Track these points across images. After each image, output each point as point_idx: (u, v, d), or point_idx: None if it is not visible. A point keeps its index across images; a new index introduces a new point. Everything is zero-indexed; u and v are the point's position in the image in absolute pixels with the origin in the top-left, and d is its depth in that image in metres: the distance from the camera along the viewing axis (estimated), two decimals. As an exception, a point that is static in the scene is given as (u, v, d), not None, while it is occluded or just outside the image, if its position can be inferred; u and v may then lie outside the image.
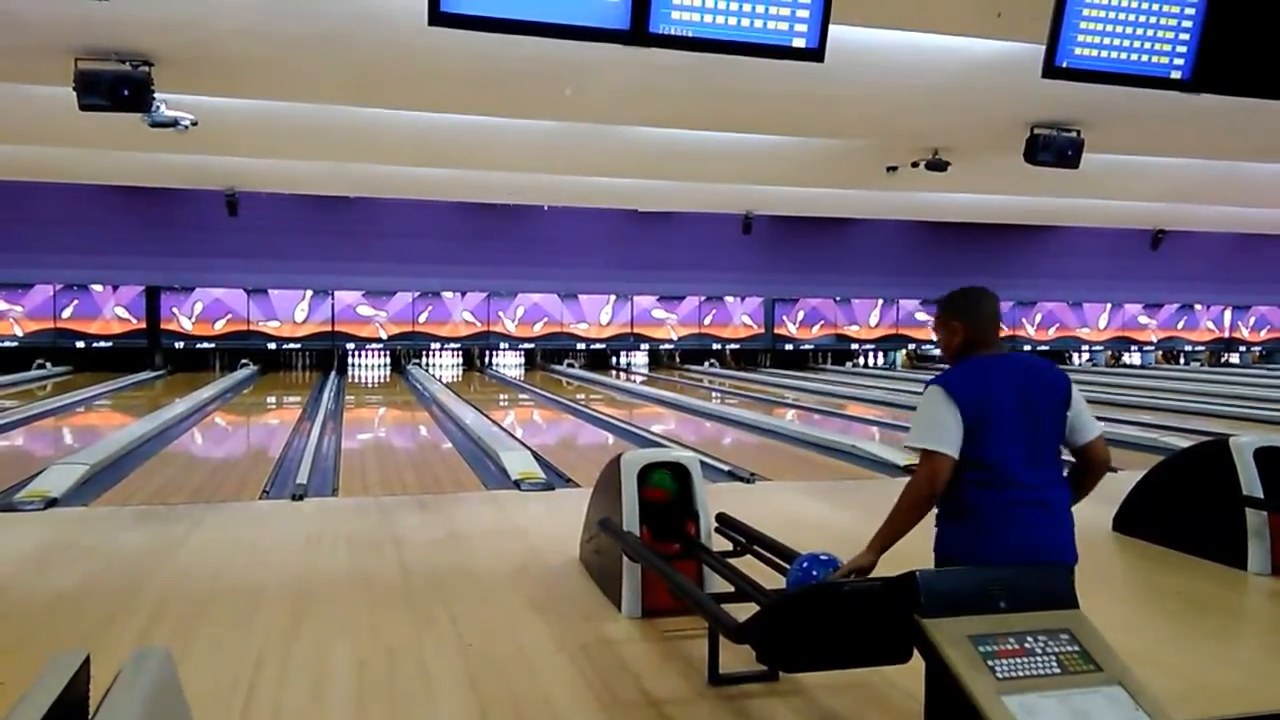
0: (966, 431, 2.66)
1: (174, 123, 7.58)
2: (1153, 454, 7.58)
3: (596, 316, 20.65)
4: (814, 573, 3.14)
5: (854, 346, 22.18)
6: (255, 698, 3.09)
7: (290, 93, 8.03)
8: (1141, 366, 23.65)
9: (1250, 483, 4.73)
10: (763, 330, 21.60)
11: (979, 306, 2.86)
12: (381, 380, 18.44)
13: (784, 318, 21.69)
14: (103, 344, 18.23)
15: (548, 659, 3.47)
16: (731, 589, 3.54)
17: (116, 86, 6.55)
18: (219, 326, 18.72)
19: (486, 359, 20.62)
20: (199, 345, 18.70)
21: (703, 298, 21.18)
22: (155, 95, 6.82)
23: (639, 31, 4.38)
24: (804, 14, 4.50)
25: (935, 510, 2.78)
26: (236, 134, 9.50)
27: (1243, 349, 24.77)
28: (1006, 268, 22.52)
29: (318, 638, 3.69)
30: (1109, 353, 23.93)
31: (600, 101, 8.01)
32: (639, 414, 12.76)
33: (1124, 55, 4.91)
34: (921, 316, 22.27)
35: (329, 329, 19.23)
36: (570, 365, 20.71)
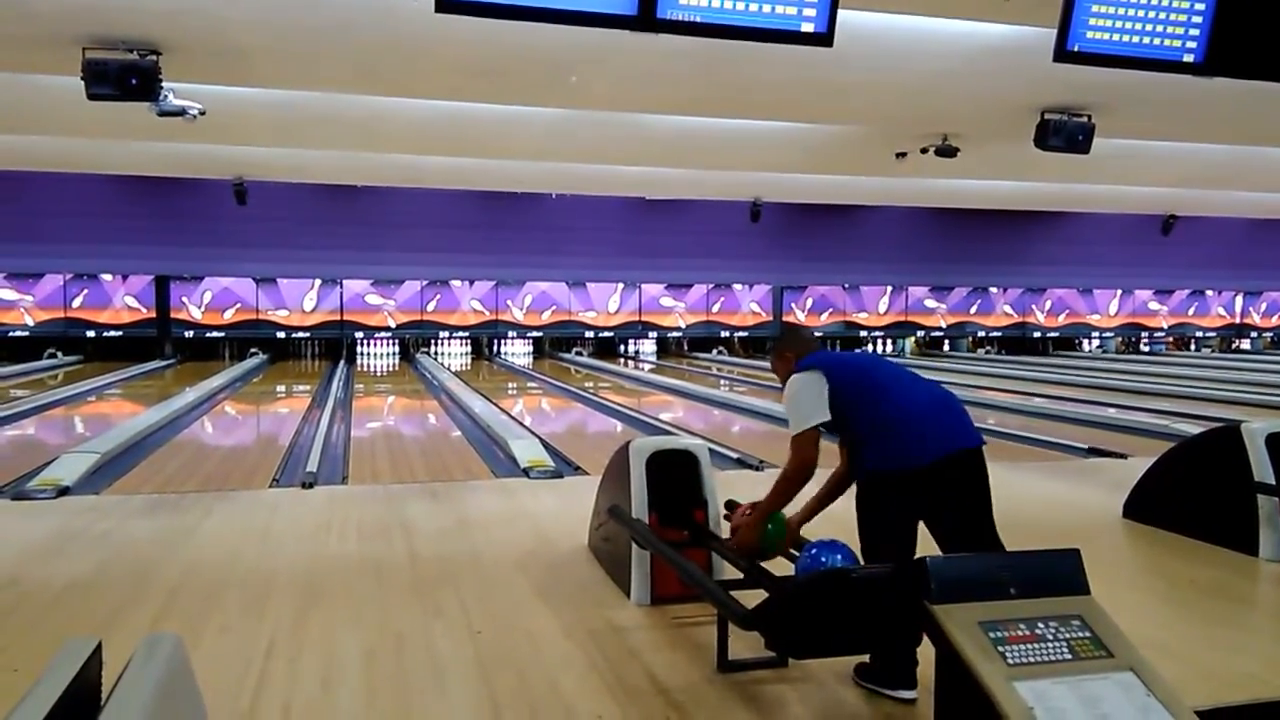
0: (841, 383, 3.22)
1: (182, 112, 7.59)
2: (1164, 440, 7.56)
3: (605, 305, 20.65)
4: (823, 559, 3.15)
5: (863, 334, 22.12)
6: (265, 686, 3.11)
7: (298, 82, 8.03)
8: (1150, 352, 23.56)
9: (1262, 469, 4.71)
10: (771, 318, 21.55)
11: (799, 337, 3.66)
12: (390, 369, 18.47)
13: (792, 305, 21.64)
14: (113, 333, 18.31)
15: (557, 646, 3.48)
16: (740, 576, 3.54)
17: (124, 76, 6.55)
18: (228, 315, 18.78)
19: (495, 347, 20.64)
20: (208, 334, 18.77)
21: (711, 285, 21.15)
22: (163, 84, 6.83)
23: (646, 17, 4.36)
24: (813, -2, 4.47)
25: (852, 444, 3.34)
26: (244, 123, 9.50)
27: (1254, 335, 24.65)
28: (1016, 254, 22.45)
29: (328, 625, 3.70)
30: (1119, 339, 23.85)
31: (607, 89, 7.98)
32: (647, 402, 12.76)
33: (1136, 39, 4.88)
34: (930, 304, 22.22)
35: (338, 318, 19.26)
36: (578, 353, 20.71)
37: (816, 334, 3.70)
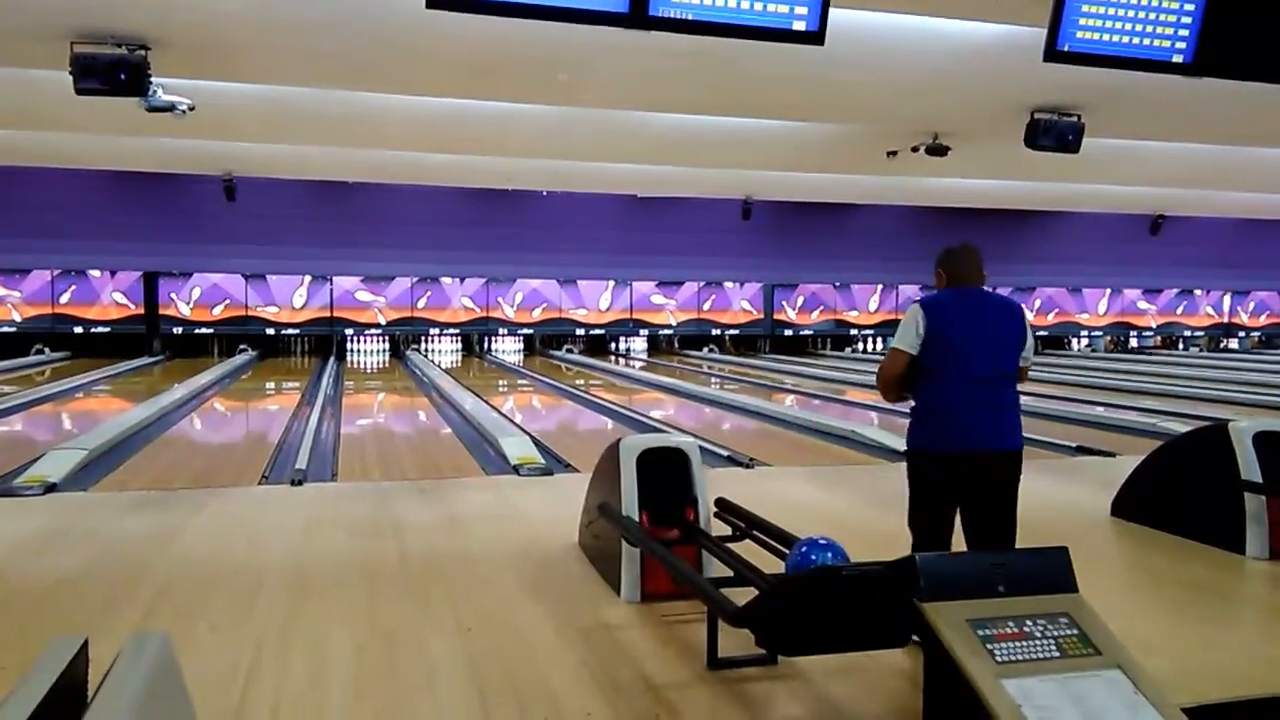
0: (931, 339, 3.40)
1: (171, 107, 7.55)
2: (1152, 439, 7.59)
3: (596, 302, 20.64)
4: (813, 557, 3.15)
5: (853, 332, 22.17)
6: (254, 682, 3.10)
7: (288, 77, 7.99)
8: (1140, 349, 23.67)
9: (1249, 467, 4.73)
10: (762, 316, 21.58)
11: (956, 258, 3.59)
12: (380, 366, 18.44)
13: (783, 303, 21.67)
14: (101, 329, 18.23)
15: (547, 643, 3.48)
16: (730, 574, 3.54)
17: (113, 70, 6.51)
18: (217, 312, 18.71)
19: (485, 345, 20.61)
20: (197, 331, 18.70)
21: (702, 283, 21.16)
22: (152, 79, 6.79)
23: (638, 14, 4.35)
24: (804, -4, 4.47)
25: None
26: (234, 118, 9.46)
27: (1242, 334, 24.79)
28: (1006, 253, 22.46)
29: (317, 622, 3.69)
30: (1108, 338, 23.94)
31: (599, 86, 7.97)
32: (638, 399, 12.76)
33: (1126, 39, 4.89)
34: (921, 302, 22.27)
35: (327, 314, 19.21)
36: (569, 351, 20.71)
37: (967, 255, 3.58)
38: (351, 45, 6.72)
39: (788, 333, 21.79)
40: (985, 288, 3.61)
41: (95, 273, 18.18)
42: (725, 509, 4.21)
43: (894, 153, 10.65)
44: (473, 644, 3.45)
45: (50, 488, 6.14)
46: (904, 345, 3.44)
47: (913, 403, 3.54)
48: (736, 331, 21.59)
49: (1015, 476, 3.46)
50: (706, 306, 21.26)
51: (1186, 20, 4.89)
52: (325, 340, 19.50)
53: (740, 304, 21.47)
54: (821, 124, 10.03)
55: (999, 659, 2.25)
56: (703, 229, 20.44)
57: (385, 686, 3.10)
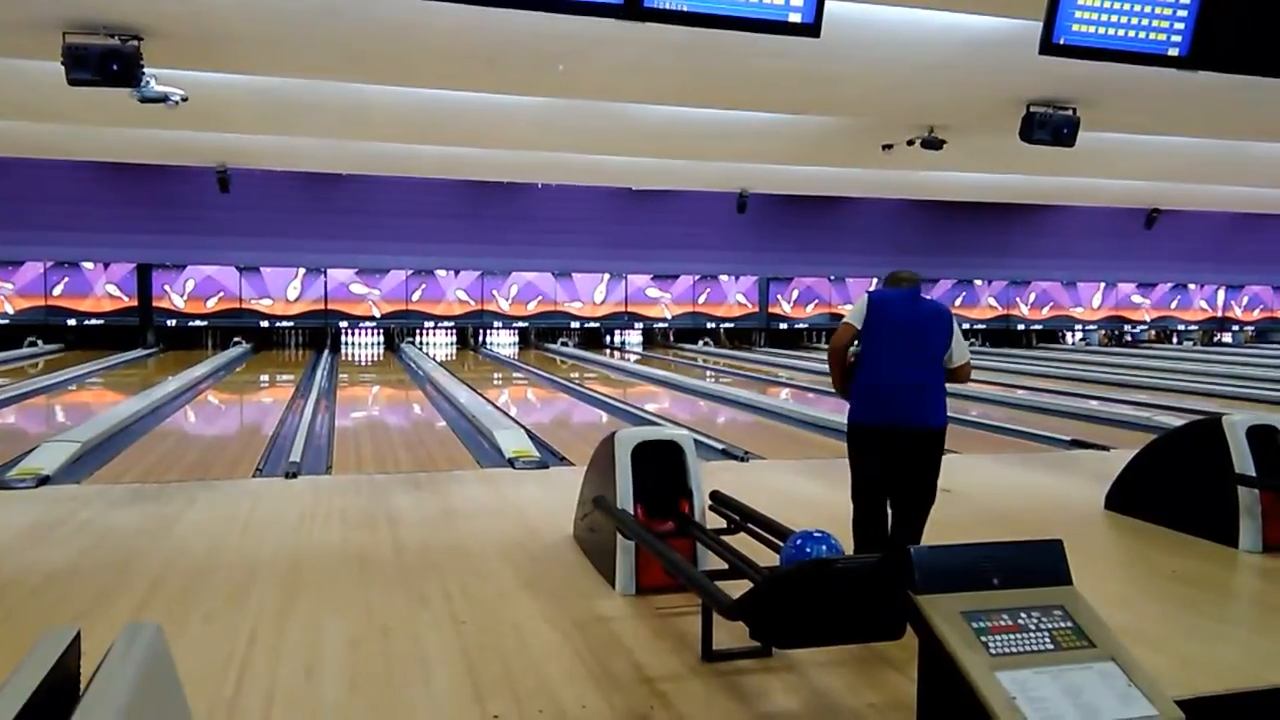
0: (872, 321, 3.94)
1: (164, 98, 7.52)
2: (1145, 433, 7.61)
3: (590, 295, 20.62)
4: (808, 550, 3.16)
5: (848, 326, 22.15)
6: (248, 675, 3.09)
7: (282, 68, 7.95)
8: (1134, 343, 23.72)
9: (1242, 461, 4.75)
10: (757, 309, 21.58)
11: (900, 279, 4.18)
12: (375, 359, 18.40)
13: (778, 297, 21.68)
14: (94, 322, 18.17)
15: (541, 636, 3.48)
16: (725, 566, 3.55)
17: (105, 61, 6.47)
18: (211, 304, 18.65)
19: (480, 337, 20.59)
20: (191, 323, 18.64)
21: (697, 277, 21.15)
22: (145, 70, 6.75)
23: (634, 6, 4.34)
24: (800, -12, 4.46)
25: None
26: (227, 110, 9.42)
27: (1235, 328, 24.85)
28: (1001, 247, 22.52)
29: (311, 615, 3.68)
30: (1102, 332, 23.99)
31: (595, 78, 7.95)
32: (633, 393, 12.76)
33: (1122, 32, 4.89)
34: (916, 296, 22.29)
35: (322, 307, 19.17)
36: (564, 344, 20.69)
37: (903, 275, 4.21)
38: (346, 36, 6.69)
39: (782, 326, 21.79)
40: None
41: (88, 265, 18.11)
42: (720, 502, 4.21)
43: (889, 146, 10.63)
44: (467, 636, 3.45)
45: (43, 480, 6.13)
46: (852, 320, 4.00)
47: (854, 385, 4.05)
48: (731, 325, 21.58)
49: (937, 450, 3.93)
50: (701, 300, 21.26)
51: (1182, 13, 4.89)
52: (320, 333, 19.46)
53: (735, 297, 21.47)
54: (817, 117, 10.01)
55: (993, 651, 2.26)
56: (698, 222, 20.43)
57: (379, 678, 3.09)
